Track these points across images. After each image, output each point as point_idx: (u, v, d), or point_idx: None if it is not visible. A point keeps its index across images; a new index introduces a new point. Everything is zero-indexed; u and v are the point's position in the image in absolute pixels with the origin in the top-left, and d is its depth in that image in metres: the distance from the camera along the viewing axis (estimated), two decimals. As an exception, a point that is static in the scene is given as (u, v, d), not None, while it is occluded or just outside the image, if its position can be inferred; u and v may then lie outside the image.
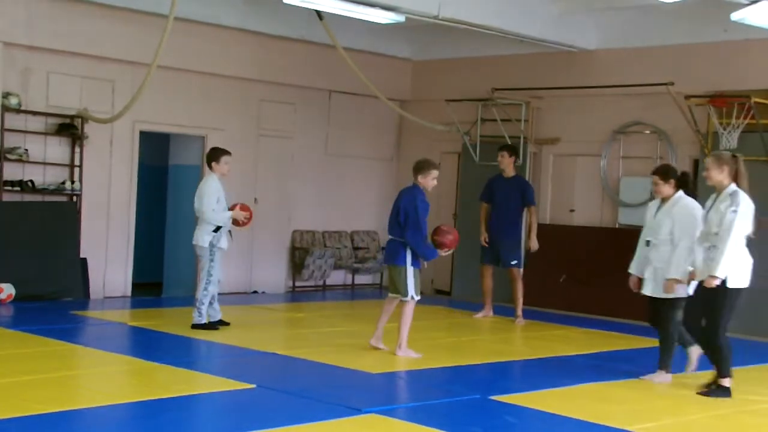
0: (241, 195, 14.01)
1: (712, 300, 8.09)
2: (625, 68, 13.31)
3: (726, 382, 8.19)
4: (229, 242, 10.53)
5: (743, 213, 8.00)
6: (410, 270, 9.20)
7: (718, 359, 8.21)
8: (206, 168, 10.61)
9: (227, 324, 10.45)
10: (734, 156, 8.21)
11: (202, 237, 10.25)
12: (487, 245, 12.39)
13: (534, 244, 12.27)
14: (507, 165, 12.43)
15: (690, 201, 8.69)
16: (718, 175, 8.15)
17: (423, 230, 9.25)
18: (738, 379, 9.11)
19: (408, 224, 9.19)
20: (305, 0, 11.30)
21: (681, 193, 8.70)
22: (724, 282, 8.02)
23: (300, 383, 7.98)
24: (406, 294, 9.20)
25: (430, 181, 9.40)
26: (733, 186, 8.13)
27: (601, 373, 8.96)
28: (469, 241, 13.88)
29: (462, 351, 10.00)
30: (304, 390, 7.64)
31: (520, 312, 12.27)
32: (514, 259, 12.33)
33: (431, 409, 7.27)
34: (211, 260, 10.24)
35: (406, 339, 9.25)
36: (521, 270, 12.58)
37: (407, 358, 9.18)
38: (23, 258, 11.86)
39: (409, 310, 9.25)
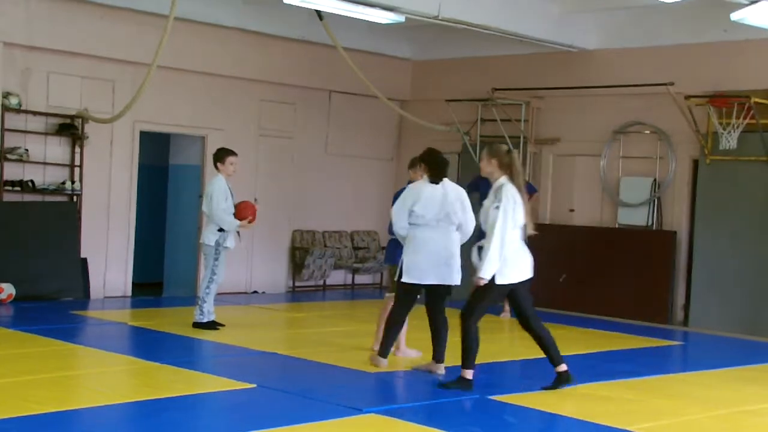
0: (241, 195, 13.98)
1: (479, 287, 7.95)
2: (625, 68, 13.31)
3: (468, 374, 8.02)
4: (237, 242, 10.55)
5: (507, 208, 7.81)
6: None
7: (466, 348, 8.05)
8: (213, 169, 10.64)
9: (222, 325, 10.44)
10: (509, 150, 8.01)
11: (208, 236, 10.26)
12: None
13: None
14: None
15: (411, 186, 8.61)
16: (487, 167, 8.02)
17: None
18: (738, 379, 9.14)
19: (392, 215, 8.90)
20: (305, 0, 11.31)
21: (423, 178, 8.62)
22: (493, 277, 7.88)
23: (300, 383, 7.98)
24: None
25: (419, 176, 9.24)
26: (502, 180, 7.93)
27: (600, 373, 8.95)
28: (468, 240, 13.88)
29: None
30: (304, 390, 7.64)
31: (507, 308, 12.38)
32: None
33: (431, 409, 7.27)
34: (216, 259, 10.24)
35: (404, 339, 9.22)
36: None
37: (406, 358, 9.16)
38: (23, 258, 11.86)
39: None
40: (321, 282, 15.10)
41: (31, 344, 9.11)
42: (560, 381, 8.11)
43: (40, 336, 9.48)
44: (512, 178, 7.89)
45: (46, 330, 9.80)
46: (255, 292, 14.27)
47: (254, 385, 7.72)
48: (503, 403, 7.57)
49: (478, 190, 12.62)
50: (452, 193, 8.60)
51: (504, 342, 11.20)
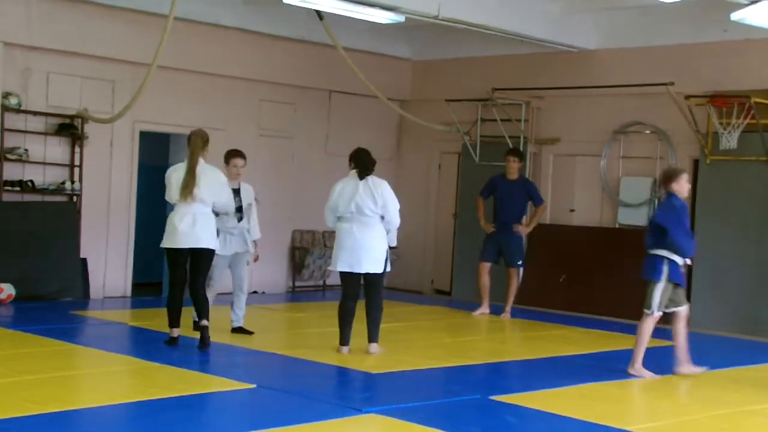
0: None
1: None
2: (625, 68, 13.31)
3: (173, 332, 9.30)
4: (227, 244, 9.98)
5: (168, 183, 9.29)
6: (661, 285, 8.88)
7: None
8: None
9: (249, 333, 10.16)
10: (190, 135, 9.48)
11: None
12: (493, 230, 12.48)
13: (523, 231, 12.57)
14: (516, 169, 12.63)
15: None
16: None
17: (685, 226, 8.92)
18: (738, 379, 9.14)
19: (668, 225, 8.83)
20: (305, 0, 11.31)
21: (350, 174, 9.39)
22: None
23: (300, 383, 7.99)
24: (648, 307, 8.96)
25: (684, 184, 9.03)
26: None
27: (600, 373, 8.96)
28: (469, 241, 13.89)
29: (462, 351, 10.01)
30: (304, 390, 7.64)
31: (509, 308, 12.47)
32: (520, 259, 12.61)
33: (431, 409, 7.27)
34: None
35: (685, 355, 9.05)
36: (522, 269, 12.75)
37: (689, 372, 9.06)
38: (23, 258, 11.86)
39: (648, 325, 9.02)
40: (321, 282, 15.10)
41: (31, 344, 9.11)
42: (203, 343, 9.18)
43: (40, 336, 9.48)
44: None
45: (46, 330, 9.79)
46: (255, 292, 14.25)
47: (254, 385, 7.72)
48: (503, 403, 7.57)
49: (494, 192, 12.66)
50: (366, 188, 9.23)
51: (504, 342, 11.21)
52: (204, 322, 9.24)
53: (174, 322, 9.31)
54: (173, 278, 9.31)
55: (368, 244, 9.21)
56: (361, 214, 9.21)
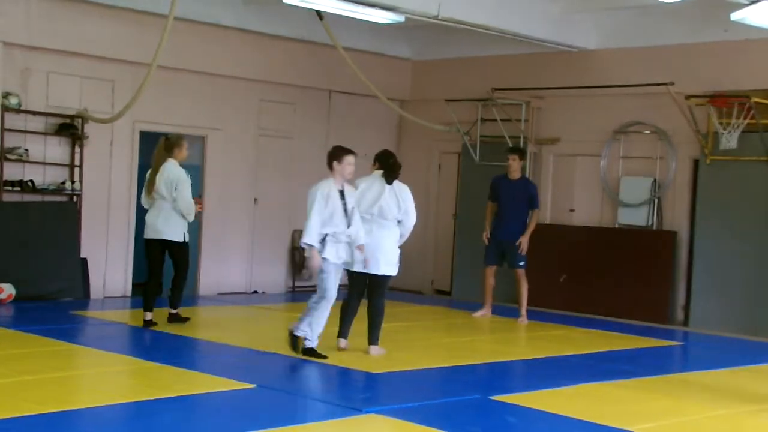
0: (242, 195, 14.02)
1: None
2: (625, 68, 13.31)
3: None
4: (338, 253, 8.89)
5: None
6: None
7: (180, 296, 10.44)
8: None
9: (323, 357, 8.88)
10: (166, 138, 10.29)
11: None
12: (488, 242, 12.38)
13: (525, 245, 12.22)
14: (517, 168, 12.36)
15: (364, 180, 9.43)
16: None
17: None
18: (738, 379, 9.14)
19: None
20: (305, 0, 11.31)
21: (372, 175, 9.47)
22: None
23: (300, 383, 7.99)
24: None
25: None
26: None
27: (600, 373, 8.96)
28: (469, 241, 13.89)
29: (462, 351, 10.01)
30: (304, 390, 7.64)
31: (524, 311, 12.25)
32: (522, 260, 12.22)
33: (431, 409, 7.27)
34: (320, 272, 8.91)
35: None
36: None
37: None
38: (23, 258, 11.86)
39: None
40: (321, 282, 15.06)
41: (31, 344, 9.11)
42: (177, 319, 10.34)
43: (40, 336, 9.47)
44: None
45: (46, 330, 9.79)
46: (255, 292, 14.26)
47: (254, 385, 7.71)
48: (503, 403, 7.57)
49: (497, 193, 12.50)
50: (391, 192, 9.26)
51: (504, 342, 11.20)
52: (173, 310, 10.36)
53: (148, 306, 10.18)
54: (148, 268, 10.36)
55: (385, 246, 9.20)
56: (383, 217, 9.22)
